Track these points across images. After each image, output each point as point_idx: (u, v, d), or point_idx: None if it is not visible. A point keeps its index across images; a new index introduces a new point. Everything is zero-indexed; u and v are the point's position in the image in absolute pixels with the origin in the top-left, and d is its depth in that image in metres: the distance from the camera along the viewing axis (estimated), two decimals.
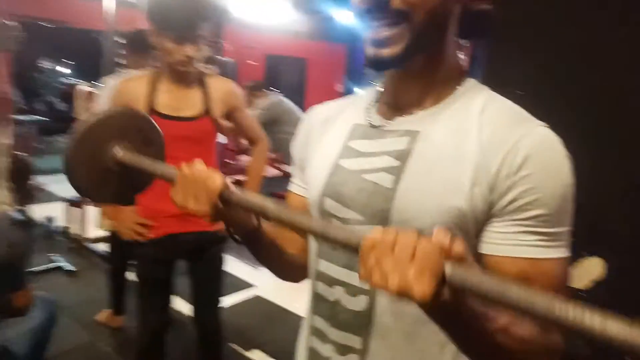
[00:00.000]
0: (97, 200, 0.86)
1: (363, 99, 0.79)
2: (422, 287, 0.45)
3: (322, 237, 0.57)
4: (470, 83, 0.70)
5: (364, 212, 0.68)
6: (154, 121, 0.89)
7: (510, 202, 0.60)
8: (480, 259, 0.64)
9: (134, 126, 0.86)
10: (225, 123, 1.75)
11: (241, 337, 2.61)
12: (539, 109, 0.67)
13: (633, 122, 1.40)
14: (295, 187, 0.85)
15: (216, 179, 0.67)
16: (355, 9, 0.65)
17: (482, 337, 0.54)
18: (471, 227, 0.63)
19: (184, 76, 1.64)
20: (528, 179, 0.59)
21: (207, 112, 1.66)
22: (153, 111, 1.61)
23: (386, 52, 0.63)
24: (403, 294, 0.46)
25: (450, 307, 0.49)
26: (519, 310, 0.42)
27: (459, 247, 0.47)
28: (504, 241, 0.61)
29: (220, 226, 0.74)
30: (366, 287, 0.69)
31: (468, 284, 0.45)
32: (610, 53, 1.40)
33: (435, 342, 0.67)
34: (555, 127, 0.64)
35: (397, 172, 0.67)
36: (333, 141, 0.77)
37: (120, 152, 0.80)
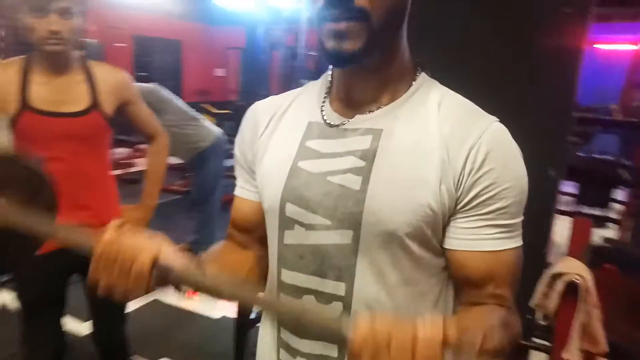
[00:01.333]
0: None
1: (311, 93, 0.75)
2: None
3: (296, 322, 0.53)
4: (423, 77, 0.70)
5: (332, 217, 0.65)
6: (40, 167, 0.72)
7: (475, 197, 0.62)
8: (445, 254, 0.65)
9: (15, 174, 0.68)
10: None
11: (146, 346, 2.41)
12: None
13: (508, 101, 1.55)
14: (242, 191, 0.79)
15: (148, 253, 0.58)
16: (316, 1, 0.60)
17: None
18: (438, 224, 0.63)
19: (60, 62, 1.40)
20: (490, 174, 0.61)
21: (95, 105, 1.45)
22: (27, 106, 1.36)
23: (347, 45, 0.60)
24: None
25: None
26: None
27: (454, 333, 0.47)
28: (469, 236, 0.63)
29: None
30: (340, 292, 0.66)
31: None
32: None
33: None
34: None
35: (364, 173, 0.64)
36: (286, 140, 0.71)
37: None
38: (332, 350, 0.68)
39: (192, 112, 3.28)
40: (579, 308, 1.31)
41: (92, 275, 0.59)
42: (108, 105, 1.48)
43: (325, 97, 0.72)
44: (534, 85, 1.56)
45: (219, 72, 9.84)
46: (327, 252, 0.66)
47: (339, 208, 0.64)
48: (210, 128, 3.35)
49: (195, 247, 3.56)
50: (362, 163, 0.65)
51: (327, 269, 0.66)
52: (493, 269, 0.63)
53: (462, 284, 0.67)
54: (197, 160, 3.26)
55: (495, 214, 0.62)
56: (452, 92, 0.69)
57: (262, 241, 0.78)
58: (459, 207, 0.63)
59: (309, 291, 0.68)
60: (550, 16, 1.45)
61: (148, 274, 0.58)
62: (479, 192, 0.62)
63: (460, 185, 0.62)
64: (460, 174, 0.62)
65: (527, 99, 1.59)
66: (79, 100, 1.43)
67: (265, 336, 0.77)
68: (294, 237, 0.68)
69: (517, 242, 0.65)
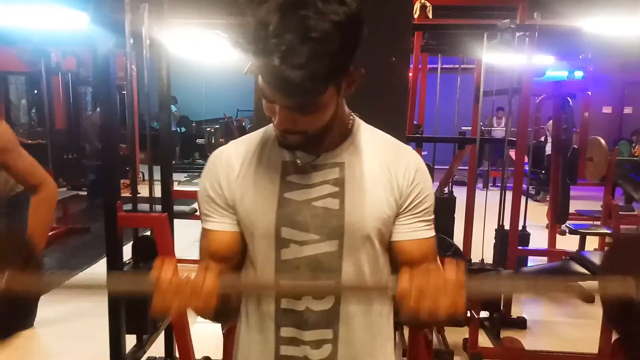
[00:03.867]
0: None
1: (273, 138, 0.91)
2: (462, 304, 0.72)
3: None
4: (356, 121, 0.93)
5: (321, 232, 0.86)
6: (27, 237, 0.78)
7: (411, 202, 0.89)
8: (392, 245, 0.91)
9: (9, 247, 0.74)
10: None
11: None
12: None
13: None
14: (217, 224, 0.91)
15: (212, 274, 0.75)
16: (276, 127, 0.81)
17: None
18: (390, 224, 0.89)
19: None
20: (418, 186, 0.89)
21: None
22: None
23: (291, 141, 0.83)
24: (452, 312, 0.71)
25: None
26: (517, 292, 0.72)
27: (462, 272, 0.73)
28: (408, 230, 0.90)
29: None
30: (330, 286, 0.86)
31: (480, 290, 0.74)
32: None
33: (379, 313, 0.92)
34: None
35: (340, 196, 0.86)
36: (267, 178, 0.88)
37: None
38: (328, 334, 0.87)
39: None
40: None
41: (159, 304, 0.73)
42: None
43: None
44: (377, 112, 1.94)
45: None
46: (319, 259, 0.85)
47: (326, 225, 0.85)
48: None
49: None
50: (336, 189, 0.86)
51: (319, 273, 0.85)
52: (426, 250, 0.91)
53: (405, 265, 0.90)
54: (7, 207, 2.78)
55: (423, 212, 0.90)
56: (376, 129, 0.95)
57: (237, 267, 0.92)
58: (401, 210, 0.89)
59: (306, 292, 0.86)
60: (383, 64, 1.85)
61: (216, 290, 0.74)
62: (413, 199, 0.89)
63: (401, 195, 0.88)
64: (400, 187, 0.88)
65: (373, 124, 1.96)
66: None
67: (256, 342, 0.91)
68: (290, 253, 0.86)
69: (434, 231, 0.94)
